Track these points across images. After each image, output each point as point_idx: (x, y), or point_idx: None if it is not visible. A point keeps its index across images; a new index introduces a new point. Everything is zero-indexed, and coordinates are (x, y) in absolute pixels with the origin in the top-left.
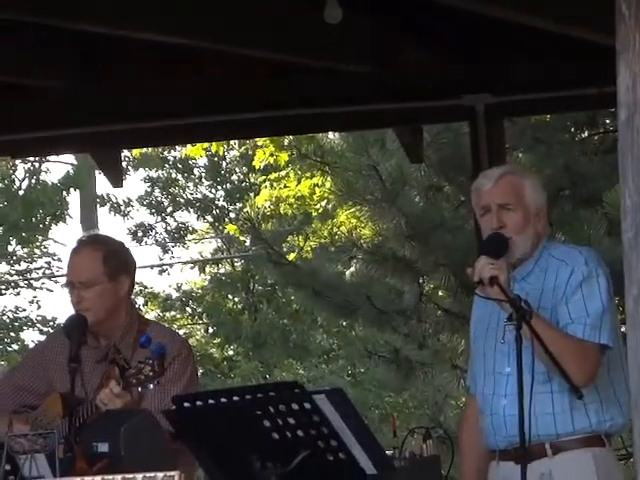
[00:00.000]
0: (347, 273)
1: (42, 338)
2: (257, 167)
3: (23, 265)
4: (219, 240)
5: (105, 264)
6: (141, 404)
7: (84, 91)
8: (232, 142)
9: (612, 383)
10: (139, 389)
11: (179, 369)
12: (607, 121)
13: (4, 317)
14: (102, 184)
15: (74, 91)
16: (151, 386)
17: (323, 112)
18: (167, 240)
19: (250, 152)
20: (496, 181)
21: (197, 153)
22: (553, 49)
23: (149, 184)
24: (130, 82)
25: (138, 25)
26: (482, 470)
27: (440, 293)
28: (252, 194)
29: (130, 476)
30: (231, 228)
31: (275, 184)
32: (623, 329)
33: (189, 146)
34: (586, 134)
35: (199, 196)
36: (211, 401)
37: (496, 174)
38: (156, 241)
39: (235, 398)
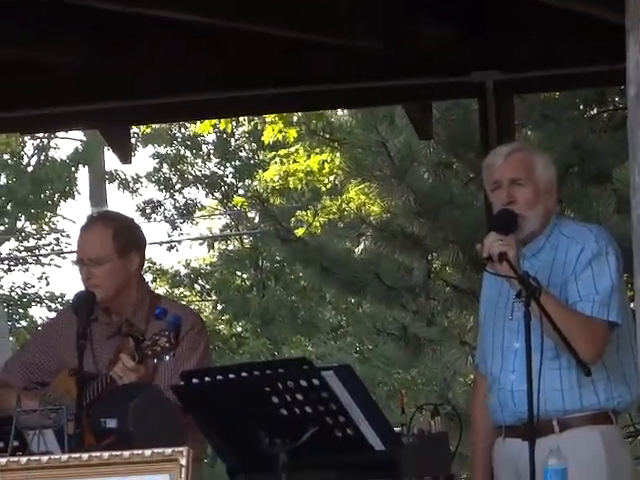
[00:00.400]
0: (356, 250)
1: (50, 314)
2: (266, 143)
3: (32, 241)
4: (228, 217)
5: (115, 241)
6: (155, 377)
7: (93, 67)
8: (241, 119)
9: (621, 361)
10: (154, 361)
11: (193, 342)
12: (616, 98)
13: (13, 293)
14: (111, 160)
15: (83, 67)
16: (167, 358)
17: (332, 89)
18: (175, 217)
19: (259, 128)
20: (507, 157)
21: (205, 129)
22: (563, 26)
23: (157, 161)
24: (140, 58)
25: (152, 2)
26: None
27: (449, 270)
28: (260, 171)
29: (139, 452)
30: (238, 201)
31: (284, 160)
32: (632, 306)
33: (198, 123)
34: (595, 111)
35: (207, 173)
36: (219, 377)
37: (507, 150)
38: (165, 217)
39: (244, 374)
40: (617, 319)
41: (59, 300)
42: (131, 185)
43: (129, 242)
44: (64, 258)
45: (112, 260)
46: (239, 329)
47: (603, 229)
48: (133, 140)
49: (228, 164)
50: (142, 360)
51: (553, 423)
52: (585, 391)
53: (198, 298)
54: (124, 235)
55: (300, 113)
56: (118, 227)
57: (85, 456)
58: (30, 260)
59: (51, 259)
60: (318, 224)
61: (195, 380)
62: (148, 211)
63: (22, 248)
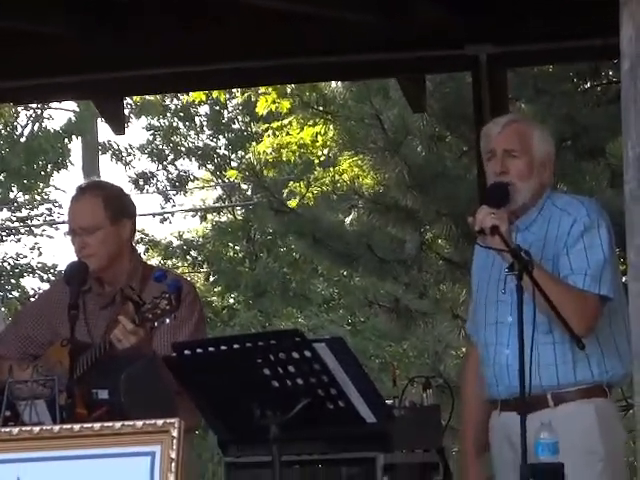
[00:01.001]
0: (348, 221)
1: (43, 285)
2: (260, 114)
3: (24, 212)
4: (220, 189)
5: (106, 208)
6: (151, 344)
7: (86, 38)
8: (234, 91)
9: (613, 335)
10: (155, 324)
11: (188, 311)
12: (610, 72)
13: (5, 264)
14: (104, 131)
15: (77, 38)
16: (167, 320)
17: (326, 61)
18: (168, 188)
19: (252, 100)
20: (504, 127)
21: (198, 97)
22: (557, 0)
23: (151, 132)
24: (134, 30)
25: None
26: (484, 420)
27: (441, 242)
28: (254, 143)
29: (130, 423)
30: (232, 173)
31: (277, 132)
32: (624, 280)
33: (191, 93)
34: (589, 85)
35: (200, 144)
36: (211, 349)
37: (504, 120)
38: (157, 189)
39: (235, 346)
40: (608, 293)
41: (51, 271)
42: (124, 156)
43: (120, 209)
44: (56, 229)
45: (105, 227)
46: (231, 301)
47: (595, 201)
48: (126, 111)
49: (221, 136)
50: (142, 323)
51: (547, 397)
52: (579, 365)
53: (190, 269)
54: (115, 202)
55: (294, 85)
56: (108, 195)
57: (76, 427)
58: (22, 230)
59: (43, 230)
60: (311, 196)
61: (187, 351)
62: (141, 182)
63: (14, 218)
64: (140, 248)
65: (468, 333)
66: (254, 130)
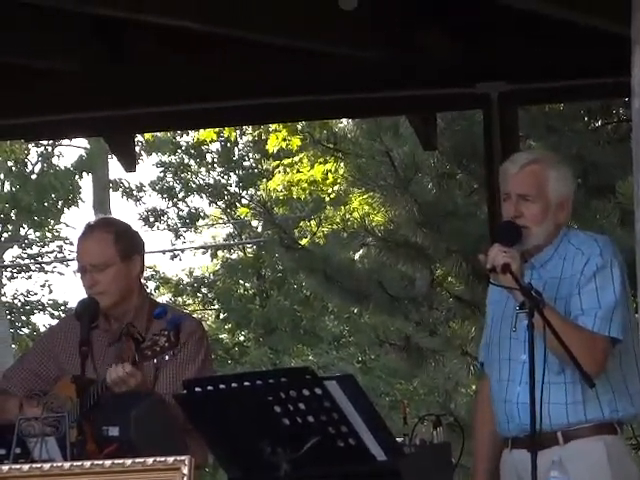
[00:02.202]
0: (358, 259)
1: (53, 322)
2: (270, 151)
3: (35, 249)
4: (231, 226)
5: (116, 245)
6: (155, 384)
7: (98, 75)
8: (245, 127)
9: (624, 376)
10: (154, 361)
11: (194, 349)
12: (621, 110)
13: (15, 301)
14: (115, 168)
15: (88, 75)
16: (167, 357)
17: (337, 98)
18: (179, 225)
19: (263, 137)
20: (520, 169)
21: (209, 136)
22: (568, 38)
23: (161, 169)
24: (144, 66)
25: (157, 10)
26: (496, 457)
27: (452, 280)
28: (264, 180)
29: (140, 460)
30: (242, 211)
31: (288, 169)
32: (637, 316)
33: (202, 131)
34: (600, 123)
35: (211, 181)
36: (222, 386)
37: (522, 161)
38: (168, 226)
39: (246, 383)
40: (618, 335)
41: (62, 308)
42: (135, 193)
43: (130, 245)
44: (67, 266)
45: (115, 264)
46: (241, 338)
47: (609, 240)
48: (137, 148)
49: (232, 173)
50: (142, 361)
51: (557, 435)
52: (589, 405)
53: (201, 307)
54: (125, 239)
55: (304, 122)
56: (118, 231)
57: (87, 464)
58: (33, 267)
59: (54, 267)
60: (321, 234)
61: (197, 389)
62: (152, 219)
63: (25, 255)
64: (151, 285)
65: (481, 362)
66: (265, 167)
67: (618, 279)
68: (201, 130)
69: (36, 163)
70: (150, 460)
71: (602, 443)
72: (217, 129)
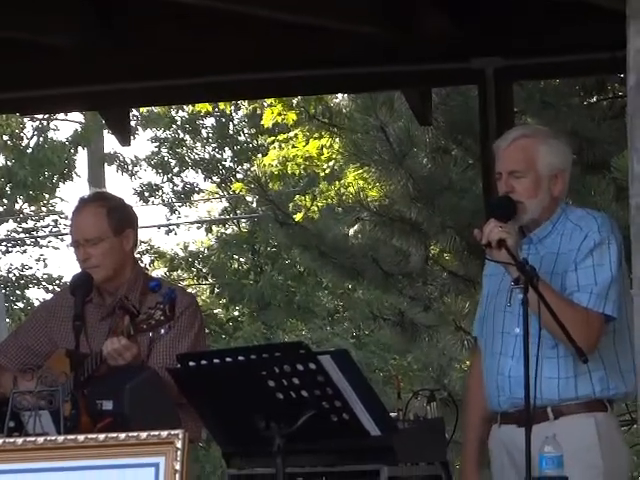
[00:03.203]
0: (353, 234)
1: (48, 296)
2: (266, 125)
3: (30, 223)
4: (226, 201)
5: (110, 219)
6: (149, 356)
7: (93, 49)
8: (240, 102)
9: (617, 354)
10: (150, 334)
11: (188, 322)
12: (616, 86)
13: (10, 275)
14: (110, 143)
15: (84, 49)
16: (162, 331)
17: (332, 73)
18: (174, 200)
19: (258, 112)
20: (509, 144)
21: (204, 107)
22: (564, 13)
23: (156, 144)
24: (140, 40)
25: None
26: (486, 429)
27: (446, 256)
28: (259, 155)
29: (134, 434)
30: (237, 186)
31: (283, 145)
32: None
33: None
34: (595, 99)
35: (206, 156)
36: (216, 360)
37: (511, 136)
38: (163, 201)
39: (240, 358)
40: (613, 313)
41: (56, 282)
42: (130, 168)
43: (123, 219)
44: (62, 240)
45: (108, 238)
46: (235, 313)
47: (608, 218)
48: (133, 123)
49: (227, 148)
50: (136, 334)
51: (547, 410)
52: (581, 380)
53: (195, 281)
54: (117, 213)
55: (299, 97)
56: (111, 205)
57: (81, 438)
58: (28, 242)
59: (49, 241)
60: (316, 209)
61: (191, 363)
62: (146, 194)
63: (20, 230)
64: (146, 259)
65: (474, 335)
66: (260, 142)
67: (615, 256)
68: (197, 105)
69: (31, 137)
70: (144, 434)
71: (592, 420)
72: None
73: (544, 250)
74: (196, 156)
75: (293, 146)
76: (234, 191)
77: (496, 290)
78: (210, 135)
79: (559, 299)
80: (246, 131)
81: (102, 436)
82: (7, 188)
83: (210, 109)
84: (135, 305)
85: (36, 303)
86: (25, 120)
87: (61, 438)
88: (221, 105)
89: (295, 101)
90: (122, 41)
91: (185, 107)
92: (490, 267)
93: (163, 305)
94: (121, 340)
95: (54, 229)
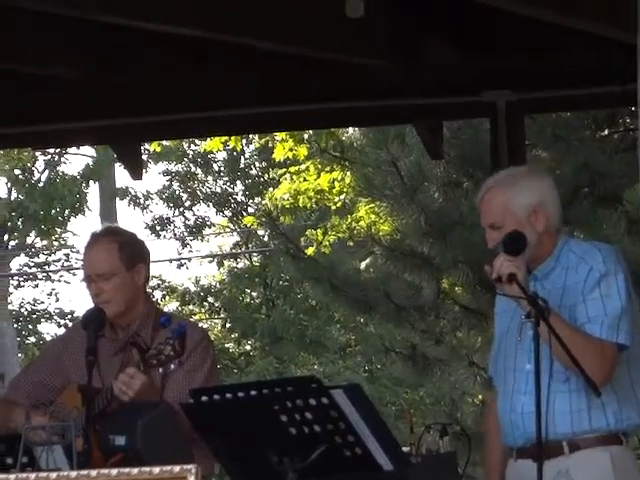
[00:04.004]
0: (364, 267)
1: (60, 331)
2: (277, 159)
3: (42, 257)
4: (237, 235)
5: (121, 254)
6: (163, 393)
7: (105, 83)
8: (251, 136)
9: (632, 383)
10: (160, 370)
11: (200, 357)
12: (627, 119)
13: (22, 309)
14: (121, 177)
15: (95, 83)
16: (172, 366)
17: (343, 107)
18: (185, 234)
19: (270, 146)
20: (482, 199)
21: (215, 146)
22: (576, 46)
23: (168, 177)
24: (152, 75)
25: (164, 19)
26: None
27: (458, 289)
28: (271, 189)
29: (147, 469)
30: (249, 220)
31: (294, 177)
32: None
33: (208, 140)
34: (606, 132)
35: (218, 190)
36: (229, 395)
37: (482, 191)
38: (174, 235)
39: (253, 392)
40: (626, 341)
41: (68, 316)
42: (141, 202)
43: (135, 254)
44: (74, 274)
45: (120, 273)
46: (247, 347)
47: (612, 248)
48: (144, 157)
49: (238, 182)
50: (147, 370)
51: (563, 444)
52: (594, 413)
53: (207, 316)
54: (129, 248)
55: (311, 131)
56: (123, 240)
57: (93, 473)
58: (40, 276)
59: (61, 275)
60: (328, 242)
61: (204, 398)
62: (158, 228)
63: (32, 264)
64: (157, 294)
65: (490, 375)
66: (271, 176)
67: (623, 286)
68: (207, 139)
69: (43, 171)
70: (156, 469)
71: (608, 454)
72: (223, 139)
73: (550, 285)
74: (207, 190)
75: (304, 179)
76: (245, 225)
77: (506, 328)
78: (221, 169)
79: (572, 331)
80: (257, 165)
81: (114, 471)
82: (19, 222)
83: (221, 147)
84: (146, 341)
85: (48, 337)
86: (37, 154)
87: (74, 473)
88: (232, 142)
89: (306, 135)
90: (133, 75)
91: (197, 141)
92: (500, 305)
93: (172, 340)
94: (128, 371)
95: (66, 263)
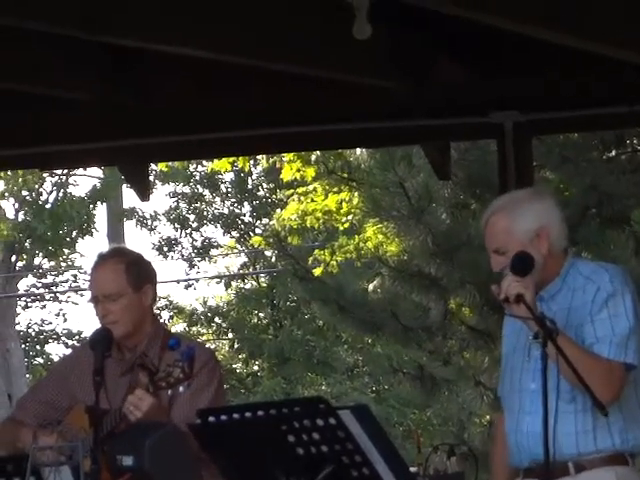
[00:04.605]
0: (372, 288)
1: (67, 351)
2: (285, 180)
3: (49, 278)
4: (245, 255)
5: (128, 275)
6: (170, 413)
7: (112, 104)
8: (258, 157)
9: (639, 403)
10: (169, 392)
11: (207, 377)
12: (635, 140)
13: (30, 330)
14: (129, 198)
15: (103, 104)
16: (181, 389)
17: (350, 128)
18: (193, 255)
19: (277, 167)
20: (485, 225)
21: (223, 166)
22: (583, 67)
23: (175, 199)
24: (159, 96)
25: (171, 40)
26: None
27: (465, 310)
28: (278, 210)
29: None
30: (256, 241)
31: (302, 198)
32: None
33: (216, 160)
34: (614, 153)
35: (225, 211)
36: (236, 415)
37: (485, 217)
38: (182, 256)
39: (260, 413)
40: (634, 361)
41: (76, 337)
42: (149, 223)
43: (142, 275)
44: (81, 295)
45: (127, 294)
46: (255, 368)
47: (619, 269)
48: (151, 178)
49: (246, 202)
50: (155, 392)
51: (569, 465)
52: (600, 433)
53: (214, 337)
54: (136, 268)
55: (318, 152)
56: (130, 261)
57: None
58: (47, 297)
59: (68, 296)
60: (335, 263)
61: (211, 418)
62: (165, 249)
63: (40, 285)
64: (165, 315)
65: (499, 396)
66: (278, 197)
67: (630, 306)
68: (215, 160)
69: (50, 192)
70: None
71: (613, 474)
72: (231, 159)
73: (556, 306)
74: (215, 211)
75: (312, 200)
76: (253, 246)
77: (512, 349)
78: (229, 190)
79: (580, 351)
80: (265, 186)
81: None
82: (26, 243)
83: (229, 167)
84: (154, 362)
85: (56, 358)
86: (44, 175)
87: None
88: (239, 162)
89: (314, 156)
90: (140, 96)
91: (204, 162)
92: (507, 326)
93: (182, 363)
94: (136, 392)
95: (73, 284)
